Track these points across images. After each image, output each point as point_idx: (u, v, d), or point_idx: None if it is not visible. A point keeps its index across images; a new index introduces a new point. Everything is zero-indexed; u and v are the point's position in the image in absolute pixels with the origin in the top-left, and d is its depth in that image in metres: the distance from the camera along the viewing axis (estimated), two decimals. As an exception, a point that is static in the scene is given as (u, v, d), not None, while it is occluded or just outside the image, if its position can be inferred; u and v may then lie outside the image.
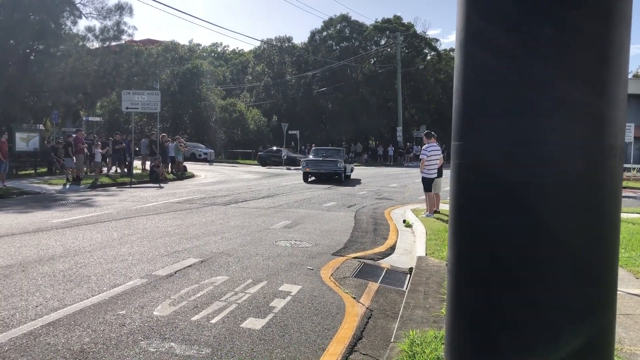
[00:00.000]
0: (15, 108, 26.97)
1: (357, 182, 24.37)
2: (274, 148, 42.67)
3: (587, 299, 1.86)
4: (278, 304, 5.66)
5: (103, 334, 4.64)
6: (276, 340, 4.63)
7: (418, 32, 57.02)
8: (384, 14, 79.06)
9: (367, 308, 5.71)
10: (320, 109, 55.09)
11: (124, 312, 5.25)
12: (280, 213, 13.07)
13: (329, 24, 56.95)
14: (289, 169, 35.27)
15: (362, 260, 8.05)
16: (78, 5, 28.62)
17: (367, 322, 5.27)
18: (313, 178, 24.26)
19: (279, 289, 6.24)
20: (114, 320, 4.98)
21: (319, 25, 64.88)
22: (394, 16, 56.85)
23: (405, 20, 56.87)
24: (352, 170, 26.97)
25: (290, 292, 6.12)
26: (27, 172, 23.38)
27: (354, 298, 6.03)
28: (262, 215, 12.58)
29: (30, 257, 7.55)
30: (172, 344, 4.45)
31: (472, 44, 1.90)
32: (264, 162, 40.20)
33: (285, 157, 38.97)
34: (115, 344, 4.41)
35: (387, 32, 54.93)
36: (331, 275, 7.00)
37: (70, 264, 7.21)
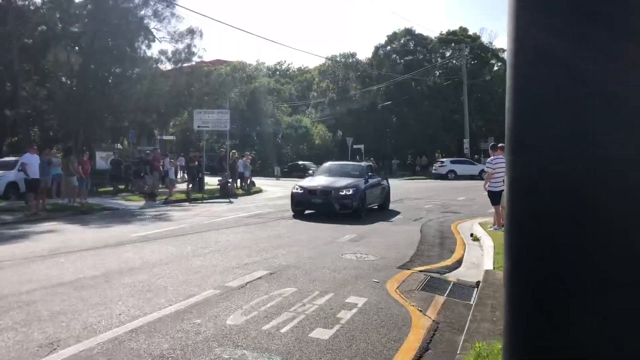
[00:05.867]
0: (95, 128, 28.62)
1: (421, 197, 24.13)
2: (299, 162, 44.55)
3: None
4: (345, 315, 5.74)
5: (180, 340, 4.88)
6: (343, 350, 4.71)
7: (484, 43, 55.93)
8: (449, 27, 78.07)
9: (433, 320, 5.69)
10: (384, 122, 54.98)
11: (199, 321, 5.48)
12: (345, 227, 13.20)
13: (392, 38, 56.87)
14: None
15: (428, 273, 8.01)
16: (152, 30, 30.15)
17: (434, 334, 5.26)
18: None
19: (346, 300, 6.32)
20: (190, 328, 5.23)
21: (382, 40, 64.46)
22: (460, 28, 55.87)
23: (471, 32, 55.81)
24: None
25: (357, 304, 6.19)
26: (106, 189, 24.63)
27: (420, 311, 6.02)
28: (328, 229, 12.74)
29: (112, 269, 8.02)
30: (245, 351, 4.63)
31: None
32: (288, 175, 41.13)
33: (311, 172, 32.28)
34: (192, 350, 4.63)
35: (452, 44, 54.21)
36: (397, 288, 7.01)
37: (148, 275, 7.62)
